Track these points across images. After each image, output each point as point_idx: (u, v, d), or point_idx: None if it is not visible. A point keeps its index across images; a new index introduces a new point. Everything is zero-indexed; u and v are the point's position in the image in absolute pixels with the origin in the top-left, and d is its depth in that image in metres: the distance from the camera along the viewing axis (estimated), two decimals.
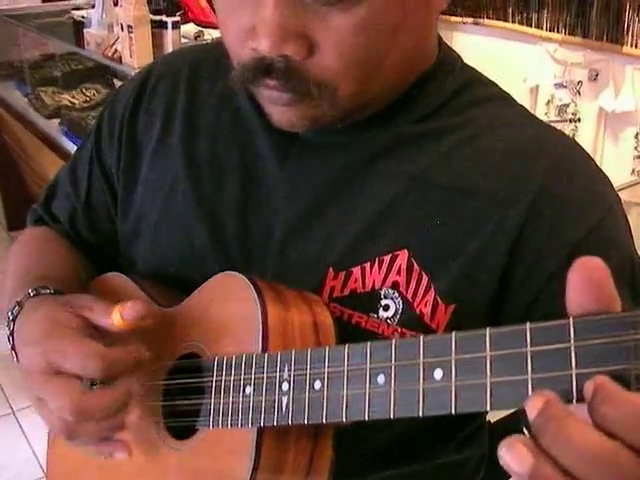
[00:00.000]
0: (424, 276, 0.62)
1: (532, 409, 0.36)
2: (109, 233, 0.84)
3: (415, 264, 0.62)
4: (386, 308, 0.63)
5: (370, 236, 0.64)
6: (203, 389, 0.62)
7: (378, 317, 0.63)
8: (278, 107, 0.62)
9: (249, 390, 0.57)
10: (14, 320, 0.69)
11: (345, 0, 0.54)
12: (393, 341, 0.47)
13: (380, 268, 0.63)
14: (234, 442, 0.59)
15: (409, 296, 0.62)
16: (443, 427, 0.72)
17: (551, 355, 0.38)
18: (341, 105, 0.60)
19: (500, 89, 0.71)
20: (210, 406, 0.61)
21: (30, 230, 0.90)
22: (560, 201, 0.61)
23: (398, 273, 0.62)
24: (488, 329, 0.41)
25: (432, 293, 0.62)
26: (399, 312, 0.62)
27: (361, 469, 0.70)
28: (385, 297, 0.63)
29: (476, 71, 0.71)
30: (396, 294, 0.63)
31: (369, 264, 0.63)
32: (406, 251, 0.62)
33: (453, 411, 0.42)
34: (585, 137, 2.18)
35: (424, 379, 0.44)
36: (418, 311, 0.62)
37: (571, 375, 0.37)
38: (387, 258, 0.63)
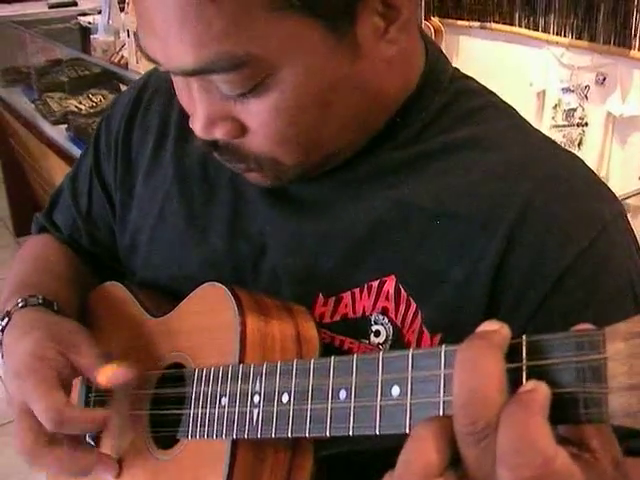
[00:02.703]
0: (412, 302, 0.60)
1: None
2: (110, 245, 0.85)
3: (402, 290, 0.61)
4: (377, 334, 0.62)
5: (357, 262, 0.63)
6: (184, 399, 0.63)
7: (370, 343, 0.62)
8: None
9: (225, 401, 0.58)
10: (2, 330, 0.71)
11: (255, 89, 0.54)
12: (355, 356, 0.46)
13: (370, 294, 0.62)
14: (210, 453, 0.59)
15: (398, 322, 0.61)
16: None
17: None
18: (290, 171, 0.61)
19: (491, 96, 0.67)
20: (190, 416, 0.61)
21: (32, 238, 0.91)
22: (544, 223, 0.57)
23: (387, 299, 0.61)
24: (444, 347, 0.40)
25: (418, 321, 0.60)
26: (390, 338, 0.61)
27: None
28: (375, 323, 0.62)
29: (467, 79, 0.68)
30: (386, 320, 0.61)
31: (359, 289, 0.62)
32: (394, 277, 0.61)
33: (407, 430, 0.41)
34: (593, 142, 2.16)
35: (382, 396, 0.43)
36: (406, 340, 0.61)
37: None
38: (375, 284, 0.62)
